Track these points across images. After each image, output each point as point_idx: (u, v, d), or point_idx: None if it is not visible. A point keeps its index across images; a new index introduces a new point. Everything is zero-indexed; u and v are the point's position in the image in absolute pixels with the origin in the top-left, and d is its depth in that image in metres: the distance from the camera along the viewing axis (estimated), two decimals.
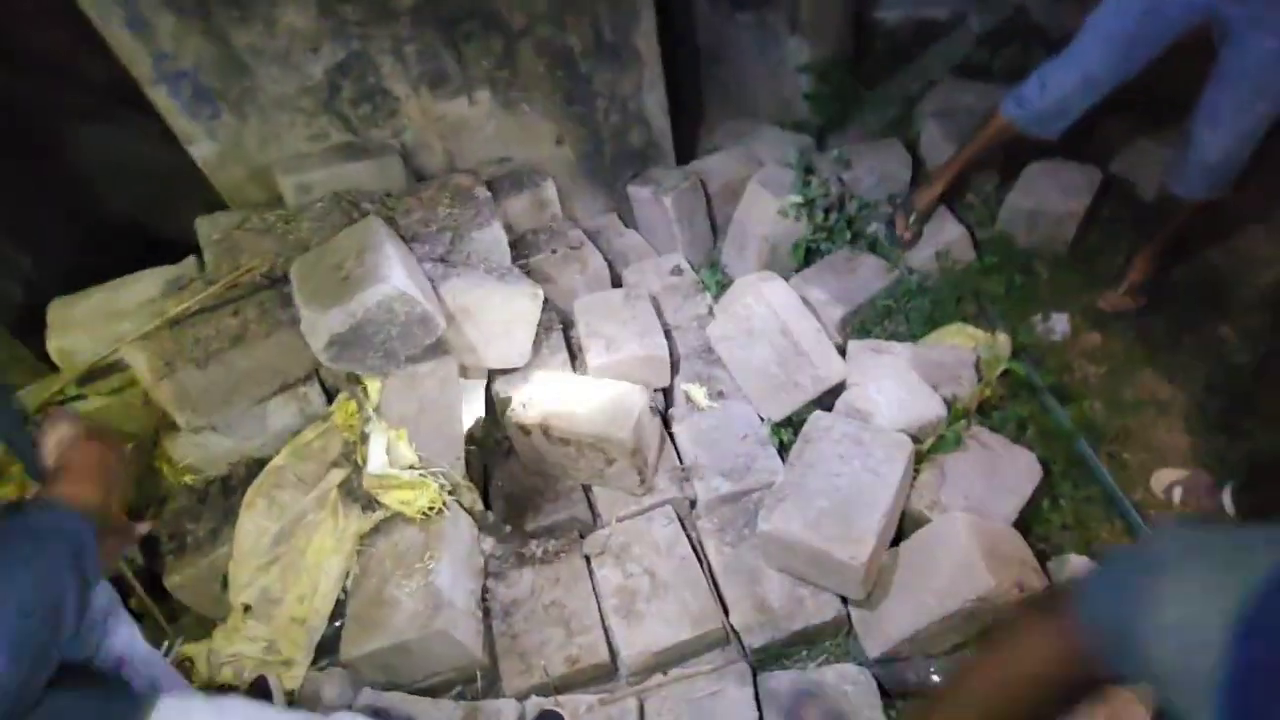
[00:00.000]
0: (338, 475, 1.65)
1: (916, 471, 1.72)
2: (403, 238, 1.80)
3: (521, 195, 2.33)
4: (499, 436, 2.03)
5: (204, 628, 1.63)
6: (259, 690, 1.41)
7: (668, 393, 2.16)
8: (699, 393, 2.08)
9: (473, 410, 1.99)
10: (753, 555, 1.69)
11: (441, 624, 1.49)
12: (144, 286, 1.79)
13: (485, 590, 1.74)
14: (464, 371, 1.94)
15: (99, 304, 1.75)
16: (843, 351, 2.04)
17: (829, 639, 1.61)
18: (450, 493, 1.72)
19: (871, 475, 1.55)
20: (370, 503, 1.69)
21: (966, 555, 1.41)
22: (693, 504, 1.89)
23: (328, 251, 1.66)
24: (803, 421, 1.82)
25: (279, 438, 1.77)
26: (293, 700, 1.44)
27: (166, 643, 1.56)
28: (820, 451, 1.63)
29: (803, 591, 1.61)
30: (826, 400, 1.95)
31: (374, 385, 1.65)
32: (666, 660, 1.61)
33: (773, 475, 1.82)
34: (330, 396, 1.82)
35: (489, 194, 2.06)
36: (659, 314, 2.25)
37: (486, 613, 1.71)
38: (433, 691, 1.63)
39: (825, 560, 1.47)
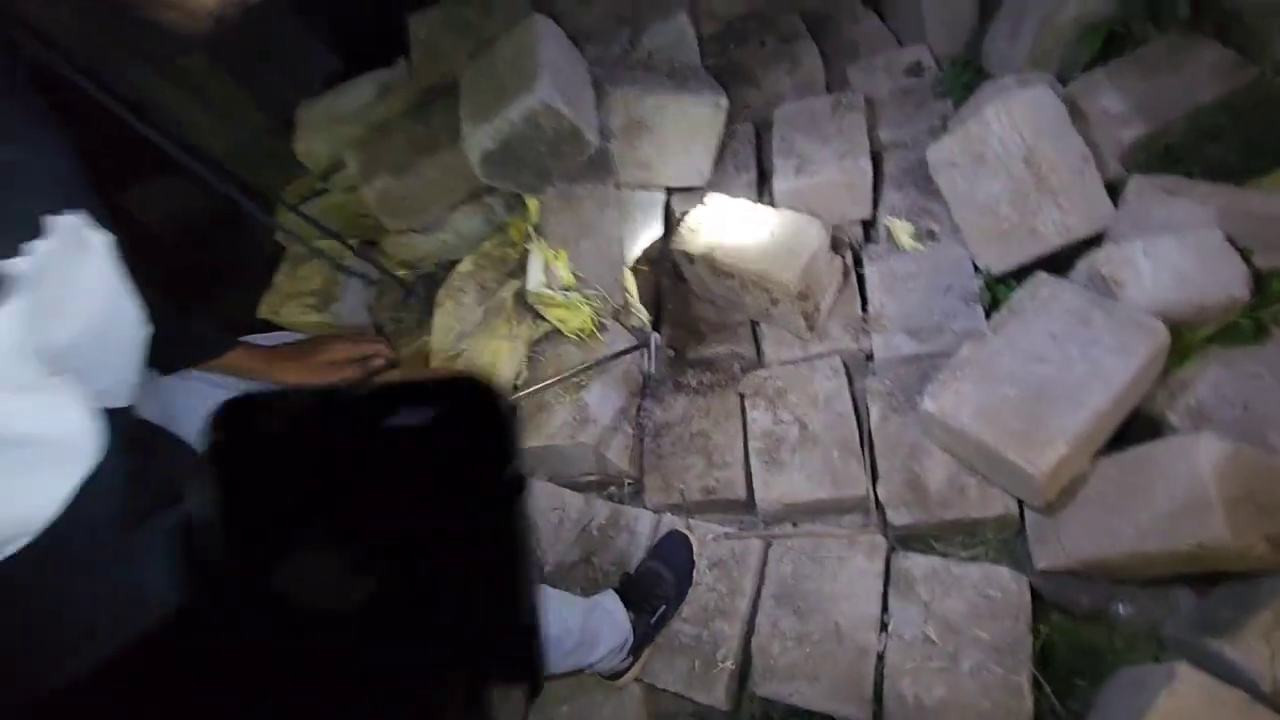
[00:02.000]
0: (512, 286, 1.75)
1: (1174, 366, 1.30)
2: (573, 37, 1.65)
3: None
4: (673, 259, 1.95)
5: None
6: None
7: (868, 225, 1.85)
8: (904, 230, 1.75)
9: (649, 229, 1.92)
10: (921, 429, 1.48)
11: (585, 438, 1.59)
12: (361, 90, 1.93)
13: (640, 408, 1.81)
14: (641, 186, 1.84)
15: (327, 107, 1.93)
16: (1115, 191, 1.53)
17: (990, 533, 1.42)
18: (614, 316, 1.73)
19: (1088, 366, 1.20)
20: (539, 314, 1.78)
21: (1200, 492, 1.07)
22: (869, 357, 1.69)
23: (493, 55, 1.60)
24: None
25: (470, 242, 1.90)
26: None
27: None
28: (1027, 325, 1.30)
29: (968, 480, 1.40)
30: (1078, 253, 1.51)
31: (533, 204, 1.65)
32: (800, 513, 1.57)
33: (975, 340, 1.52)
34: (511, 206, 1.88)
35: None
36: (874, 127, 1.87)
37: (641, 428, 1.79)
38: (585, 487, 1.80)
39: (997, 459, 1.24)
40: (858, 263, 1.78)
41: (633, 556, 1.63)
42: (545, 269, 1.59)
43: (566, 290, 1.59)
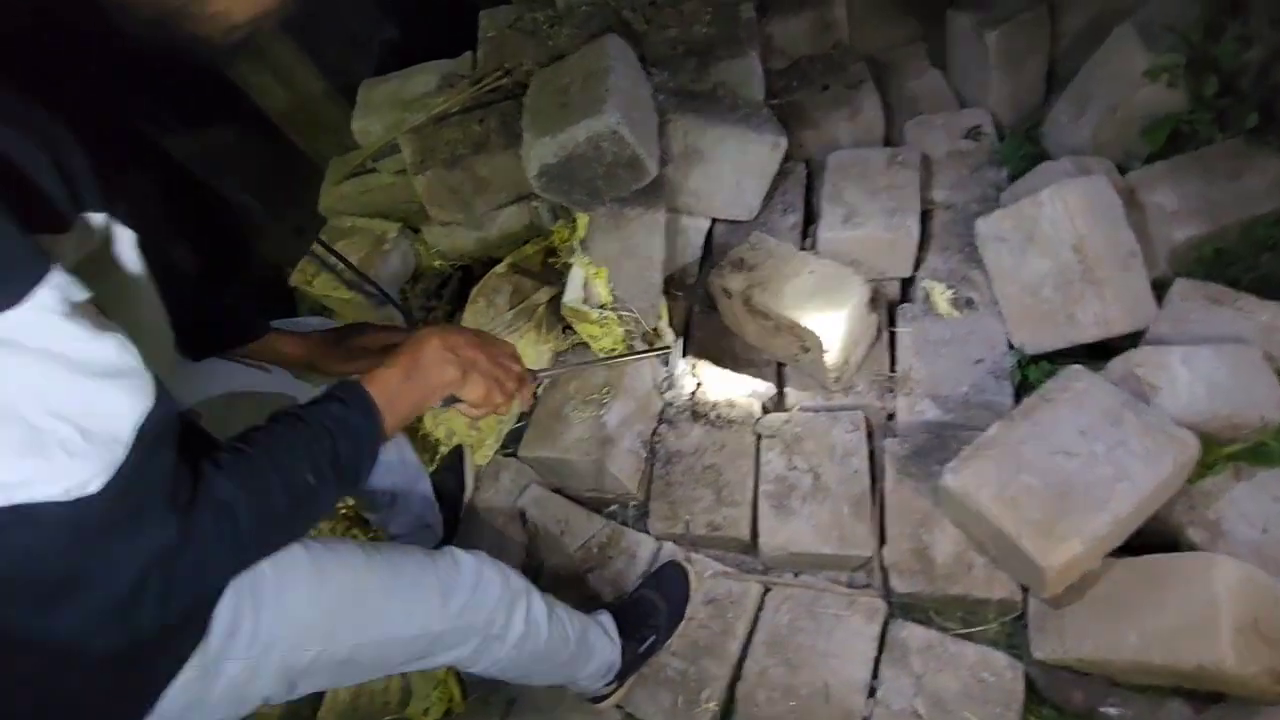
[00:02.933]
0: (546, 293, 1.76)
1: (1198, 478, 1.30)
2: (644, 59, 1.66)
3: (801, 14, 1.97)
4: (709, 289, 1.96)
5: None
6: (456, 455, 1.68)
7: (907, 284, 1.86)
8: (942, 295, 1.75)
9: (688, 255, 1.92)
10: (934, 498, 1.48)
11: (599, 457, 1.59)
12: (425, 78, 1.94)
13: (655, 433, 1.81)
14: (688, 212, 1.85)
15: (390, 91, 1.94)
16: (1161, 289, 1.53)
17: (991, 615, 1.42)
18: (645, 339, 1.74)
19: (1114, 468, 1.20)
20: (569, 326, 1.79)
21: (1210, 613, 1.07)
22: (890, 417, 1.69)
23: (562, 70, 1.60)
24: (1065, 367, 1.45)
25: (511, 243, 1.91)
26: (478, 474, 1.71)
27: None
28: (1057, 416, 1.30)
29: (975, 558, 1.40)
30: (1111, 347, 1.51)
31: (582, 220, 1.65)
32: (802, 563, 1.57)
33: (995, 419, 1.52)
34: (557, 215, 1.88)
35: (753, 14, 1.77)
36: (925, 185, 1.87)
37: (653, 452, 1.79)
38: (590, 504, 1.80)
39: (1009, 545, 1.24)
40: (891, 320, 1.78)
41: (628, 580, 1.64)
42: (584, 284, 1.59)
43: (602, 308, 1.59)
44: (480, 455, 1.72)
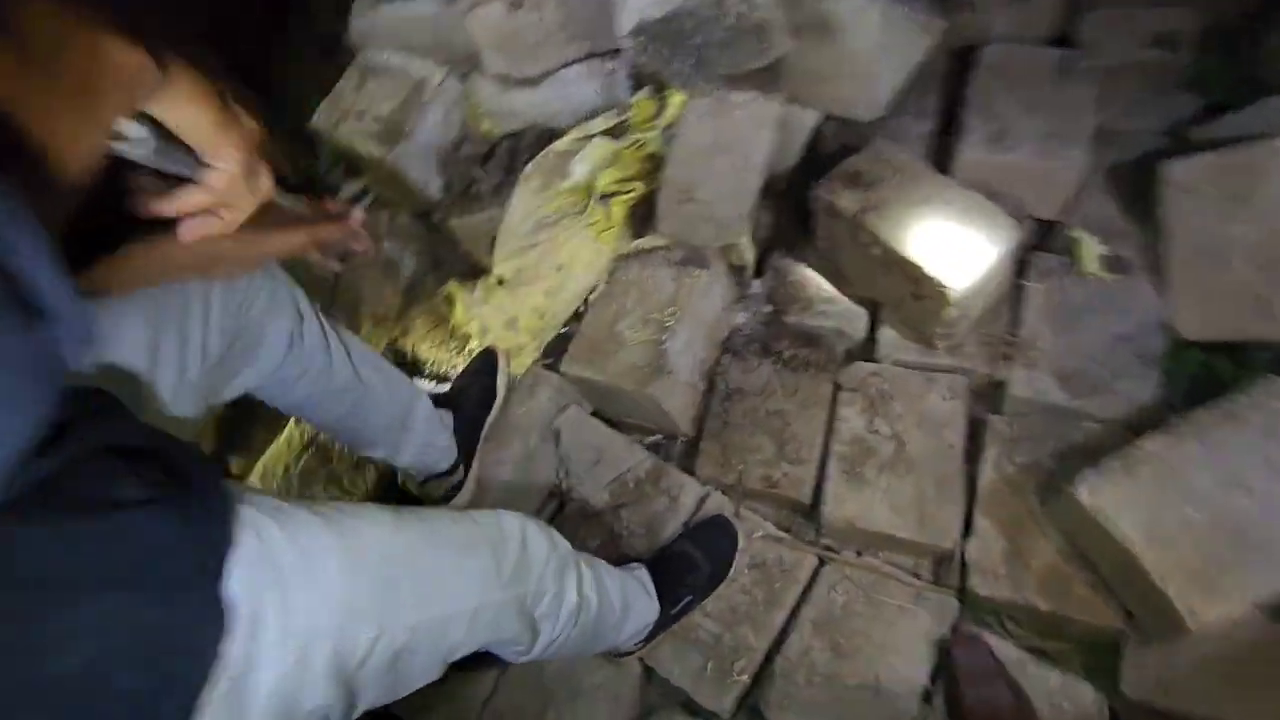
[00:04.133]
0: (630, 181, 1.45)
1: None
2: None
3: None
4: (805, 197, 1.64)
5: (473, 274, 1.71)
6: (487, 359, 1.46)
7: (1045, 229, 1.53)
8: (1092, 249, 1.43)
9: (787, 155, 1.58)
10: (1040, 496, 1.26)
11: (654, 390, 1.37)
12: None
13: (719, 363, 1.57)
14: (797, 101, 1.49)
15: None
16: None
17: (1079, 636, 1.24)
18: (722, 252, 1.45)
19: None
20: (646, 229, 1.50)
21: None
22: (996, 385, 1.43)
23: None
24: (1241, 367, 1.17)
25: (575, 113, 1.57)
26: (510, 385, 1.49)
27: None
28: (1242, 440, 1.04)
29: (1078, 575, 1.20)
30: None
31: (676, 99, 1.31)
32: (868, 541, 1.38)
33: (1137, 413, 1.27)
34: (638, 84, 1.53)
35: None
36: (1100, 108, 1.49)
37: (711, 385, 1.56)
38: (631, 430, 1.60)
39: (1145, 584, 1.02)
40: (1019, 271, 1.48)
41: (665, 525, 1.47)
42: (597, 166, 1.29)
43: (605, 197, 1.30)
44: (518, 364, 1.50)
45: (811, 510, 1.43)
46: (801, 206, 1.66)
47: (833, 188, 1.39)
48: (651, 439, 1.62)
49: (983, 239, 1.26)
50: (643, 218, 1.47)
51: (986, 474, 1.33)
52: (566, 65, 1.48)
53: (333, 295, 1.91)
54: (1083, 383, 1.35)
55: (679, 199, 1.38)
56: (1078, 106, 1.45)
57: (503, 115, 1.61)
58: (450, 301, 1.62)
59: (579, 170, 1.37)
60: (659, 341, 1.39)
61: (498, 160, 1.60)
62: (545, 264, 1.50)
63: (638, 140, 1.38)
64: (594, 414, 1.61)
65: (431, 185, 1.66)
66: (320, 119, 1.68)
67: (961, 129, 1.47)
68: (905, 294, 1.38)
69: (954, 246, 1.27)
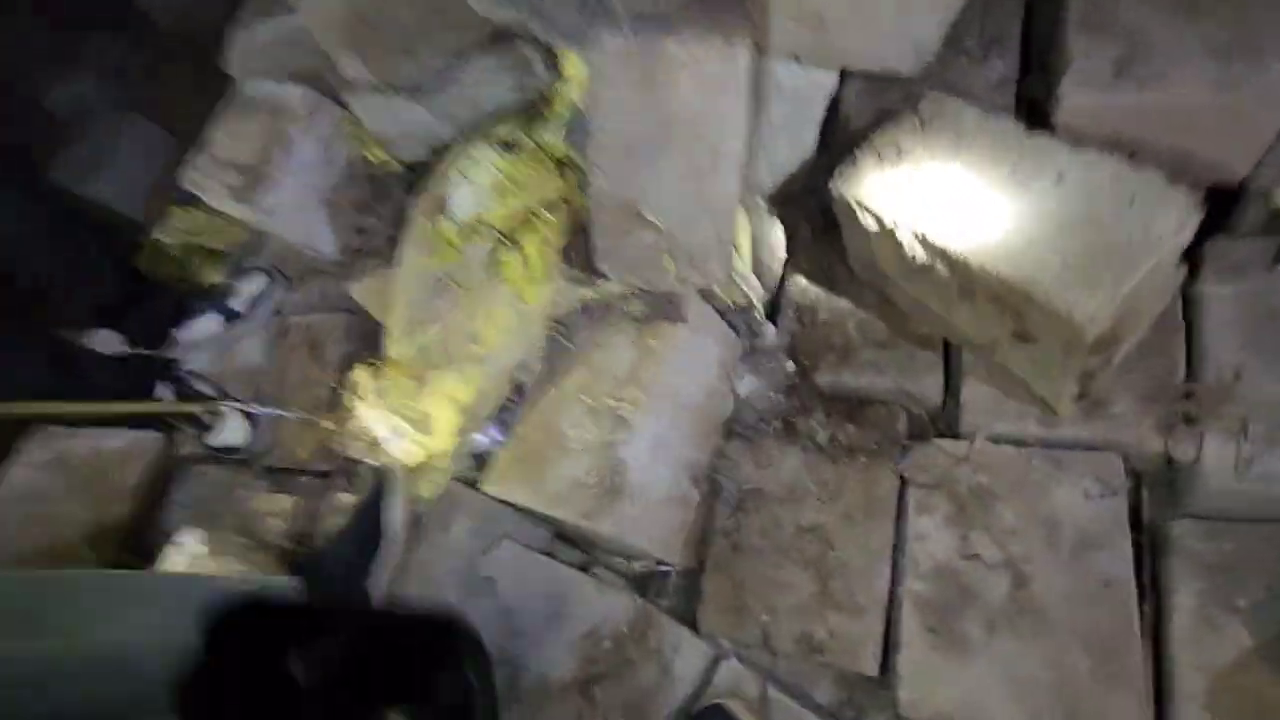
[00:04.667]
0: (544, 197, 0.99)
1: None
2: None
3: None
4: (826, 195, 1.13)
5: None
6: (376, 487, 1.02)
7: (1221, 201, 0.95)
8: None
9: (794, 141, 1.08)
10: None
11: (601, 523, 0.88)
12: None
13: (722, 455, 1.07)
14: (795, 56, 0.99)
15: None
16: None
17: None
18: (702, 291, 0.96)
19: None
20: (588, 271, 1.03)
21: None
22: (1171, 466, 0.86)
23: None
24: None
25: (487, 118, 1.12)
26: (416, 516, 1.04)
27: None
28: None
29: None
30: None
31: (571, 68, 0.85)
32: None
33: None
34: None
35: None
36: None
37: (714, 488, 1.06)
38: (598, 564, 1.12)
39: None
40: (1192, 271, 0.91)
41: (659, 706, 0.97)
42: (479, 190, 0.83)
43: (504, 239, 0.83)
44: (427, 485, 1.05)
45: (881, 686, 0.90)
46: (827, 211, 1.15)
47: (859, 177, 0.88)
48: (637, 566, 1.12)
49: (1128, 230, 0.72)
50: (583, 255, 1.00)
51: (1181, 628, 0.77)
52: (461, 57, 1.04)
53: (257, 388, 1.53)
54: None
55: (619, 224, 0.90)
56: (1264, 10, 0.88)
57: (394, 139, 1.18)
58: (354, 396, 1.19)
59: (458, 202, 0.93)
60: (611, 444, 0.91)
61: (393, 200, 1.17)
62: (455, 339, 1.06)
63: (534, 145, 0.91)
64: (559, 537, 1.14)
65: (321, 243, 1.25)
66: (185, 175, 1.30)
67: (1061, 60, 0.93)
68: (1004, 334, 0.84)
69: (1078, 248, 0.73)
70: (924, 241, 0.81)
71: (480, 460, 1.10)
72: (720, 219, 0.88)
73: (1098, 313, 0.70)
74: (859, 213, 0.88)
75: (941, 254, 0.80)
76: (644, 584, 1.11)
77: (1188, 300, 0.91)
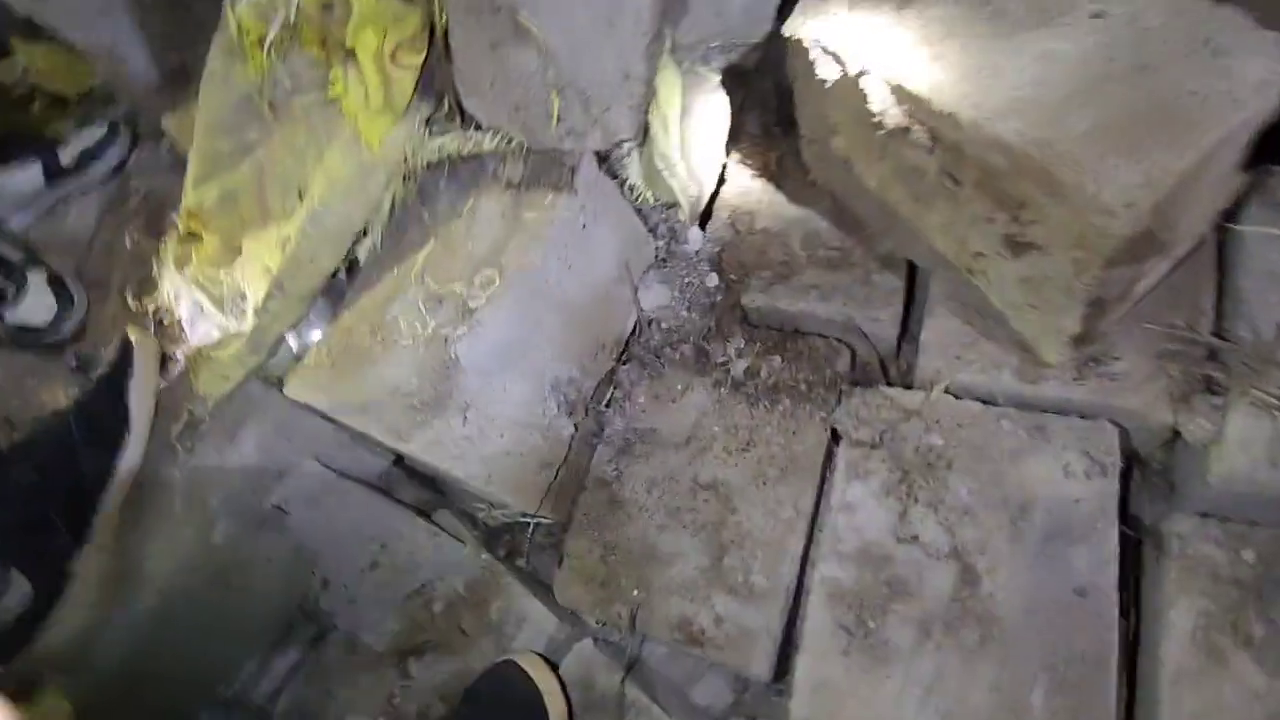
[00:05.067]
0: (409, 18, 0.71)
1: None
2: None
3: None
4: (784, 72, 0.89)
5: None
6: (120, 360, 0.74)
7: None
8: None
9: None
10: None
11: (421, 447, 0.64)
12: None
13: (610, 379, 0.83)
14: None
15: None
16: None
17: None
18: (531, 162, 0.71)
19: None
20: (455, 119, 0.77)
21: None
22: (1177, 443, 0.65)
23: None
24: None
25: None
26: (192, 421, 0.78)
27: None
28: None
29: None
30: None
31: None
32: None
33: None
34: None
35: None
36: None
37: (598, 424, 0.83)
38: (440, 503, 0.88)
39: None
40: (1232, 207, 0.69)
41: None
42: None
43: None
44: (210, 379, 0.78)
45: (771, 691, 0.69)
46: (785, 94, 0.91)
47: (823, 15, 0.63)
48: (499, 515, 0.89)
49: (1193, 83, 0.48)
50: (450, 89, 0.74)
51: (1174, 657, 0.56)
52: None
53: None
54: None
55: (486, 33, 0.64)
56: None
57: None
58: (159, 265, 0.91)
59: None
60: (449, 340, 0.65)
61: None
62: (270, 185, 0.79)
63: None
64: (404, 469, 0.89)
65: (136, 61, 0.95)
66: None
67: None
68: (988, 239, 0.61)
69: (1117, 106, 0.49)
70: (899, 92, 0.57)
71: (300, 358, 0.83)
72: (629, 42, 0.63)
73: (1137, 195, 0.47)
74: (816, 58, 0.64)
75: (922, 110, 0.56)
76: (500, 539, 0.87)
77: (1222, 239, 0.69)
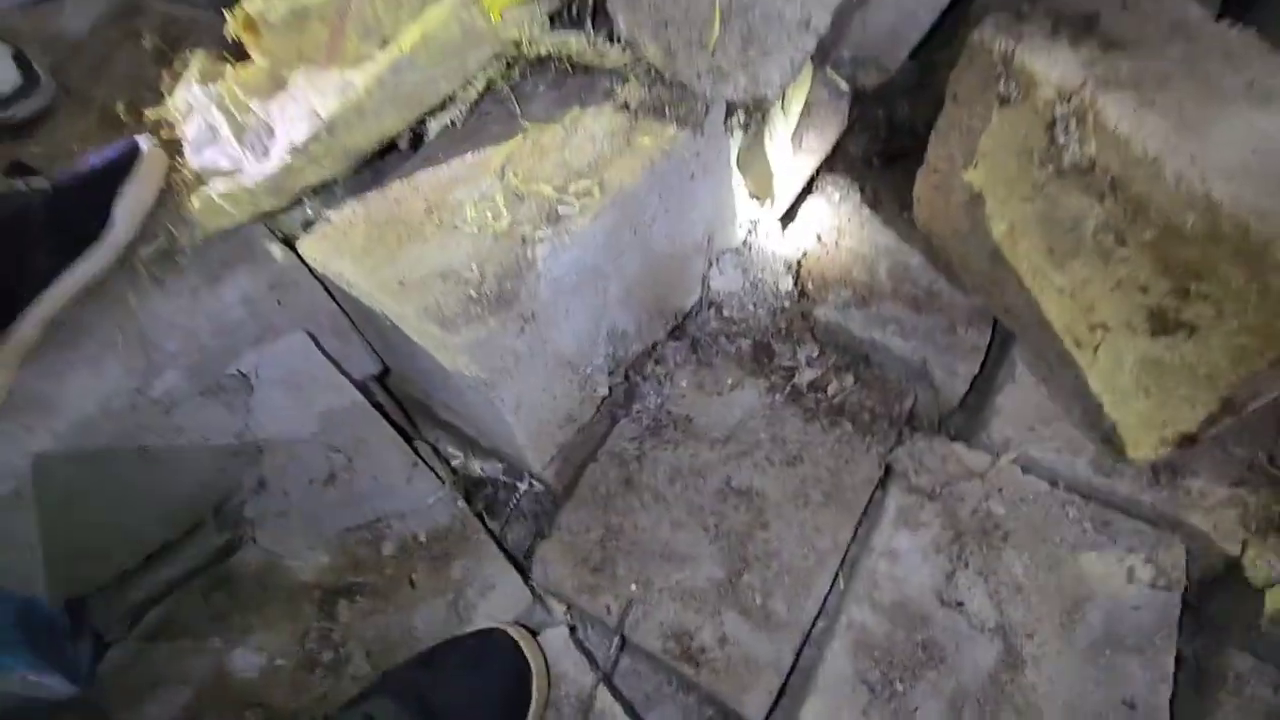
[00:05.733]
0: None
1: None
2: None
3: None
4: (902, 108, 0.86)
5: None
6: (126, 155, 0.61)
7: None
8: None
9: (902, 11, 0.79)
10: None
11: (467, 350, 0.53)
12: None
13: (656, 350, 0.75)
14: None
15: None
16: None
17: None
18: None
19: None
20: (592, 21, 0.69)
21: None
22: (1234, 573, 0.62)
23: None
24: None
25: None
26: (171, 248, 0.64)
27: None
28: None
29: None
30: None
31: None
32: None
33: None
34: None
35: None
36: None
37: (630, 391, 0.74)
38: (447, 435, 0.77)
39: None
40: None
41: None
42: None
43: None
44: (208, 210, 0.65)
45: None
46: (897, 129, 0.88)
47: (1017, 29, 0.60)
48: (478, 466, 0.77)
49: None
50: None
51: None
52: None
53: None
54: None
55: None
56: None
57: None
58: (174, 79, 0.77)
59: None
60: (526, 239, 0.56)
61: None
62: (353, 22, 0.68)
63: None
64: (386, 389, 0.77)
65: None
66: None
67: None
68: (1128, 313, 0.57)
69: None
70: (1097, 127, 0.54)
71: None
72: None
73: None
74: (1000, 72, 0.60)
75: (1120, 151, 0.52)
76: (478, 492, 0.76)
77: None
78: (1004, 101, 0.61)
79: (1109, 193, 0.55)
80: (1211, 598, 0.67)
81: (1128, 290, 0.57)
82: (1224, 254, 0.49)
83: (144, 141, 0.63)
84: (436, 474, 0.70)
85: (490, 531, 0.72)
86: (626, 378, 0.73)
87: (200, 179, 0.67)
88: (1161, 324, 0.55)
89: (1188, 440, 0.60)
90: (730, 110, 0.69)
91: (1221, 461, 0.65)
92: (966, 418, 0.74)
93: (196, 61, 0.77)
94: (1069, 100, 0.56)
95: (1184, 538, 0.63)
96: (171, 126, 0.75)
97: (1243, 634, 0.61)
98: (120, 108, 0.84)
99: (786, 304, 0.78)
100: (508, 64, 0.70)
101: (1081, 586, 0.61)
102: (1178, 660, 0.64)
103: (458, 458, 0.79)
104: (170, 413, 0.63)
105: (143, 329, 0.61)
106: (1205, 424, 0.57)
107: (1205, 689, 0.59)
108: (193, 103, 0.73)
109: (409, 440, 0.72)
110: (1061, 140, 0.56)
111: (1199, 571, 0.67)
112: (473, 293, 0.54)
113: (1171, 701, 0.57)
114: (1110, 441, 0.65)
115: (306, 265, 0.65)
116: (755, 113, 0.70)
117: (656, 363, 0.75)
